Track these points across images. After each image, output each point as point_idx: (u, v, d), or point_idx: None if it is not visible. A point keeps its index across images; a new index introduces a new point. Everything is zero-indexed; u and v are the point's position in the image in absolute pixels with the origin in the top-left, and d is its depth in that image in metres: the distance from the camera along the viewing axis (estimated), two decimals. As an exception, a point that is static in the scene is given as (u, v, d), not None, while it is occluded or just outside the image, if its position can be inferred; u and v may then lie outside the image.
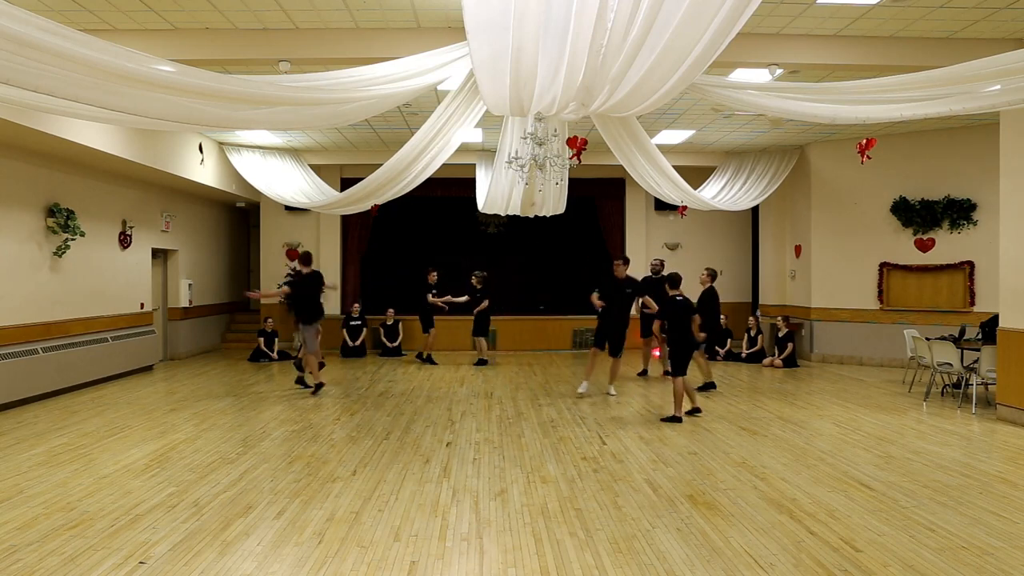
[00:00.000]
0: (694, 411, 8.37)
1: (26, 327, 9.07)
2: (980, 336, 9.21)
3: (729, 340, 13.52)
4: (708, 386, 10.12)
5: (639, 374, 11.59)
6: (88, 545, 4.38)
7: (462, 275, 13.68)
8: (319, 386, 9.77)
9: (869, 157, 7.06)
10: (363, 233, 15.50)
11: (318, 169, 13.84)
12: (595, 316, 9.90)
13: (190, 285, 13.78)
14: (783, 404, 9.12)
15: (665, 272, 10.58)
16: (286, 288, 10.19)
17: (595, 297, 9.72)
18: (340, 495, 5.38)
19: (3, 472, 5.98)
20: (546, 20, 4.71)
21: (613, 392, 9.81)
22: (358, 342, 14.11)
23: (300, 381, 10.20)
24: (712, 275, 10.51)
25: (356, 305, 14.39)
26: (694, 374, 9.39)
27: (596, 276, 12.07)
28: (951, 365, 9.01)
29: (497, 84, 5.61)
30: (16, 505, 5.14)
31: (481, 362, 12.93)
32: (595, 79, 5.35)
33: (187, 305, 13.66)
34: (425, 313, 13.15)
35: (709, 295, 10.39)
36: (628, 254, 15.42)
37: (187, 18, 7.15)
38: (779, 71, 8.18)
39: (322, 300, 10.27)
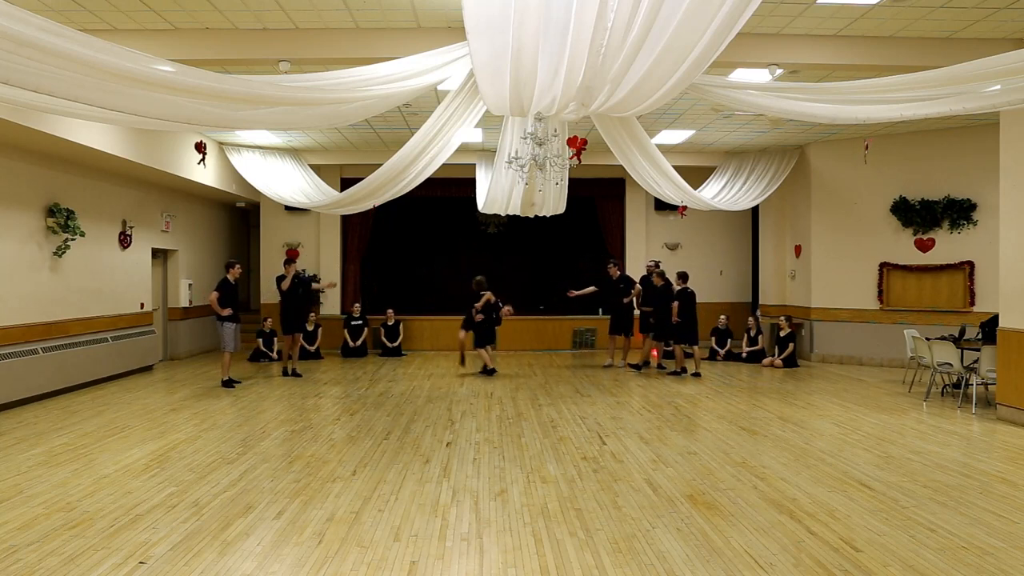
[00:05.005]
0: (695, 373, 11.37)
1: (26, 327, 9.07)
2: (980, 336, 9.21)
3: (729, 340, 13.53)
4: (644, 364, 12.23)
5: (641, 365, 12.20)
6: (88, 545, 4.38)
7: (462, 275, 13.66)
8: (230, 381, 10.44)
9: (866, 156, 7.12)
10: (363, 233, 15.49)
11: (318, 169, 13.85)
12: (595, 316, 12.23)
13: (190, 285, 13.78)
14: (783, 404, 9.12)
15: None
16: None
17: (589, 290, 12.43)
18: (340, 495, 5.38)
19: (3, 472, 5.98)
20: (546, 20, 4.71)
21: (608, 363, 12.16)
22: (359, 342, 14.10)
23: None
24: (661, 274, 11.86)
25: (356, 305, 14.39)
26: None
27: (595, 277, 13.50)
28: (951, 365, 9.00)
29: (497, 84, 5.61)
30: (16, 505, 5.14)
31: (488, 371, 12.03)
32: (595, 79, 5.35)
33: (187, 305, 13.66)
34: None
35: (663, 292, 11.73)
36: (628, 254, 15.72)
37: (187, 18, 7.15)
38: (779, 71, 8.18)
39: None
